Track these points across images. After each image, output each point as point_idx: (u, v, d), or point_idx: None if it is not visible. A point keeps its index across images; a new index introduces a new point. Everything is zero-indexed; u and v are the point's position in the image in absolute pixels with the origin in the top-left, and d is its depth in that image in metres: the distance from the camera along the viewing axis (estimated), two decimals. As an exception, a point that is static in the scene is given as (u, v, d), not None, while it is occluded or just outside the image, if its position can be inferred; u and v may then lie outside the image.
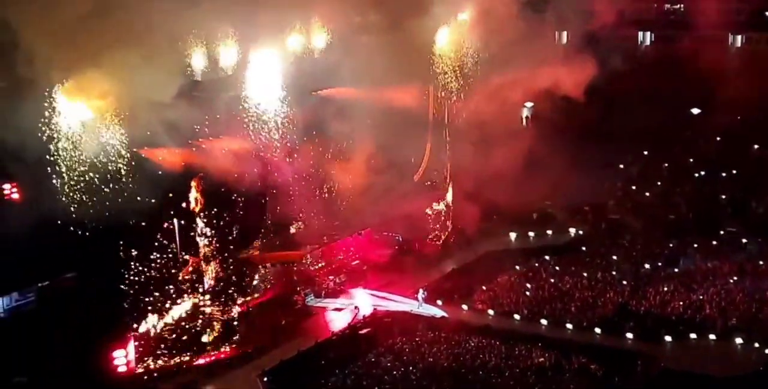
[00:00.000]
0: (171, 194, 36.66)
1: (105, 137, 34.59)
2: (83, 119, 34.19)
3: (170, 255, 37.06)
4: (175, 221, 37.01)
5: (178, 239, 37.00)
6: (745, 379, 34.77)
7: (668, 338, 38.50)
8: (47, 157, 33.95)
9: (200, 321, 37.72)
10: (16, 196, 36.60)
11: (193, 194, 37.48)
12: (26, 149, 32.60)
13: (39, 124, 33.54)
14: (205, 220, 38.10)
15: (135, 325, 36.13)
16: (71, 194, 34.34)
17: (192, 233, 37.81)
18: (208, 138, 39.05)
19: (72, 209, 34.25)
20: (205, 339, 37.52)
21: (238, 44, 40.31)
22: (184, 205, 37.31)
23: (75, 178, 34.43)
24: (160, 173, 36.17)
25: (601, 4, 52.43)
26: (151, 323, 36.54)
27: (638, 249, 49.41)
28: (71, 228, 34.23)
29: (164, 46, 34.36)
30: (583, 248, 50.19)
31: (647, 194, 56.91)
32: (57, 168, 34.18)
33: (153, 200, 35.23)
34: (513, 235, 52.08)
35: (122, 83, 33.17)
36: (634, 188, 57.62)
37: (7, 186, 36.43)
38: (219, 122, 38.54)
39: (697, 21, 59.64)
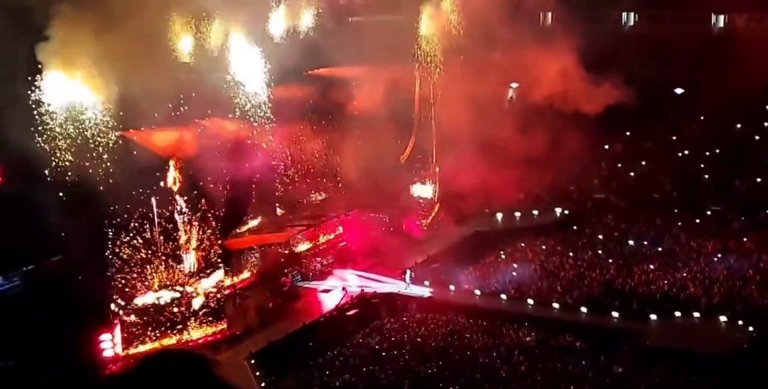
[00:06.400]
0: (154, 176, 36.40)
1: (91, 118, 34.28)
2: (70, 99, 33.85)
3: (155, 238, 36.77)
4: (154, 201, 36.46)
5: (156, 220, 36.56)
6: (729, 356, 34.98)
7: (653, 316, 38.70)
8: (32, 139, 33.63)
9: (187, 304, 37.51)
10: (-1, 179, 36.41)
11: (172, 174, 36.67)
12: (10, 131, 32.32)
13: (24, 105, 33.20)
14: (189, 203, 37.78)
15: (121, 309, 35.90)
16: (56, 176, 34.07)
17: (177, 216, 37.50)
18: (194, 120, 38.80)
19: (57, 191, 33.98)
20: (192, 322, 37.38)
21: (226, 24, 39.96)
22: (162, 184, 36.78)
23: (60, 160, 34.14)
24: (144, 154, 35.90)
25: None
26: (138, 306, 36.31)
27: (623, 228, 49.62)
28: (56, 211, 34.00)
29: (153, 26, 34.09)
30: (569, 228, 50.36)
31: (631, 173, 57.12)
32: (42, 151, 33.87)
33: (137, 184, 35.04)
34: (499, 215, 52.17)
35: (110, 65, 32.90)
36: (619, 166, 57.79)
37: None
38: (206, 102, 38.19)
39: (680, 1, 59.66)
